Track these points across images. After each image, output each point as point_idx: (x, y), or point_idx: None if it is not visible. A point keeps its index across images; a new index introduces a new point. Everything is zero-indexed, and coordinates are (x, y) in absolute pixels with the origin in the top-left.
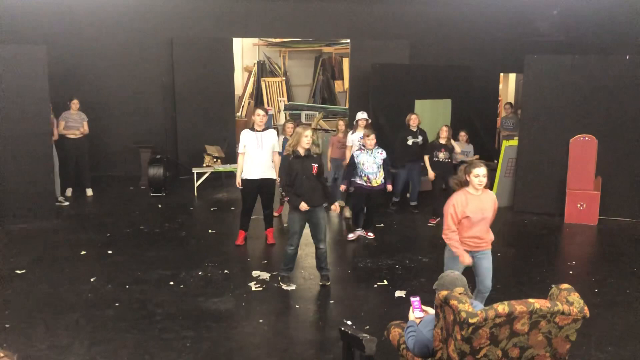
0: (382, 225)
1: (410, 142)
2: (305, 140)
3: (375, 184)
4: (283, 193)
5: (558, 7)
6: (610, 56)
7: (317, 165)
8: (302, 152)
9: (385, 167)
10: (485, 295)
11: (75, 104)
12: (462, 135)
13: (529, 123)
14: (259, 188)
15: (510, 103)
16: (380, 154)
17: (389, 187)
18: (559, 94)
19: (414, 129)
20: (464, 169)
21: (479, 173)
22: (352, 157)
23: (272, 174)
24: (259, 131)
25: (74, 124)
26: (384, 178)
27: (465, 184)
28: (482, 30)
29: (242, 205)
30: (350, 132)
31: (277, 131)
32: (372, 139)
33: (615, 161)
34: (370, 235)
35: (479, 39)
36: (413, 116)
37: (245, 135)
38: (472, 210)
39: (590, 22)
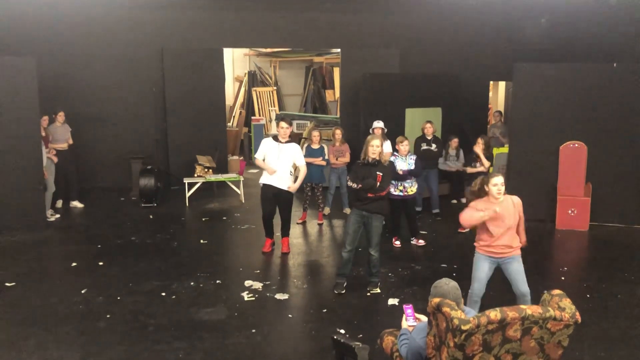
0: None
1: (422, 149)
2: (371, 149)
3: (411, 192)
4: (308, 195)
5: (546, 15)
6: (598, 64)
7: (381, 174)
8: (370, 159)
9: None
10: (527, 299)
11: (61, 116)
12: (454, 141)
13: (519, 130)
14: (276, 196)
15: (499, 111)
16: (412, 160)
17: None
18: (548, 102)
19: (429, 137)
20: (481, 181)
21: (497, 182)
22: (392, 163)
23: (286, 185)
24: (282, 142)
25: (61, 136)
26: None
27: (483, 195)
28: (472, 38)
29: (262, 212)
30: None
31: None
32: (405, 145)
33: (605, 167)
34: (421, 242)
35: (468, 48)
36: (427, 125)
37: (267, 144)
38: (494, 220)
39: (578, 30)
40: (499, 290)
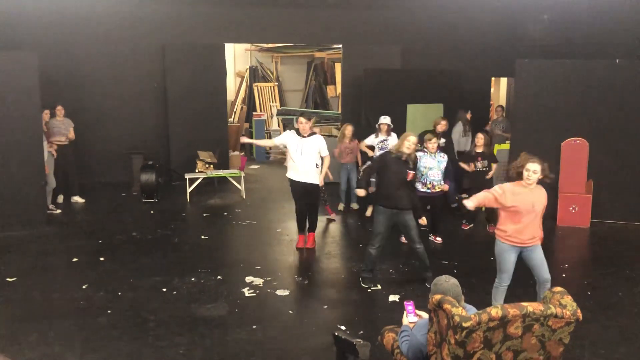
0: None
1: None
2: (407, 144)
3: (439, 189)
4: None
5: (548, 11)
6: (600, 60)
7: (413, 172)
8: (404, 155)
9: (447, 170)
10: (547, 286)
11: (60, 110)
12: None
13: (521, 127)
14: (305, 190)
15: (501, 106)
16: (443, 158)
17: (446, 187)
18: (550, 98)
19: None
20: (521, 160)
21: (530, 168)
22: (416, 158)
23: (314, 179)
24: (304, 137)
25: (60, 130)
26: (443, 179)
27: (519, 174)
28: (473, 34)
29: (295, 207)
30: (373, 135)
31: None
32: (434, 143)
33: (606, 164)
34: (439, 240)
35: (470, 44)
36: (442, 122)
37: (289, 136)
38: (522, 201)
39: (580, 26)
40: (524, 275)
